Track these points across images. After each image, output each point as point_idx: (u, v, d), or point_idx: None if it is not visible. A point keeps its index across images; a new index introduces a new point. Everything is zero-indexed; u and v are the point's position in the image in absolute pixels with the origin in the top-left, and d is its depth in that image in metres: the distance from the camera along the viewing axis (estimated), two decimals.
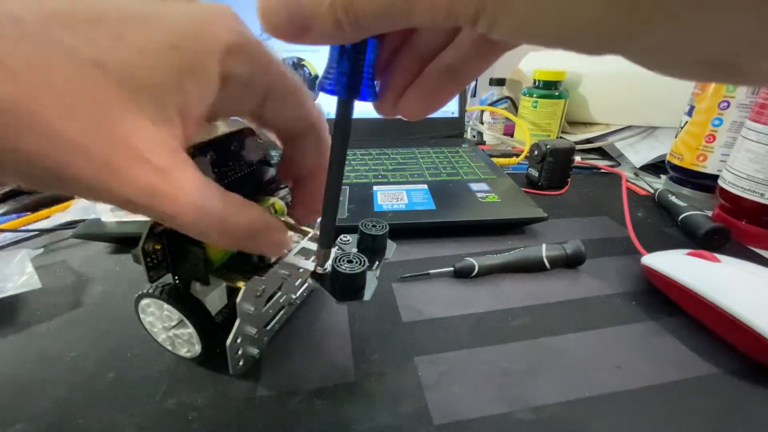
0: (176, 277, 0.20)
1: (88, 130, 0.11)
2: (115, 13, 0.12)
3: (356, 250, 0.22)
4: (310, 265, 0.20)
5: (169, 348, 0.22)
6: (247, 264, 0.21)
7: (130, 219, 0.34)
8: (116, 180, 0.12)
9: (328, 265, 0.19)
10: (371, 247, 0.22)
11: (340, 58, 0.13)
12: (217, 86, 0.14)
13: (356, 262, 0.19)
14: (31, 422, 0.19)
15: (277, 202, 0.23)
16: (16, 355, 0.23)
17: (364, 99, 0.13)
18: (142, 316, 0.22)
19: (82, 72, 0.11)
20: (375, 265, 0.21)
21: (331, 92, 0.13)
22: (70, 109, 0.11)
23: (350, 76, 0.13)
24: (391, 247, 0.23)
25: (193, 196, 0.13)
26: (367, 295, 0.19)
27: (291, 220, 0.25)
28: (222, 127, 0.19)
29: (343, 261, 0.19)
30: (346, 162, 0.51)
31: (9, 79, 0.10)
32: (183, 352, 0.22)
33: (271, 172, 0.23)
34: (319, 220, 0.24)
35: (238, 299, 0.19)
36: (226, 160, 0.20)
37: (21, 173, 0.11)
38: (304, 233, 0.24)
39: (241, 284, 0.20)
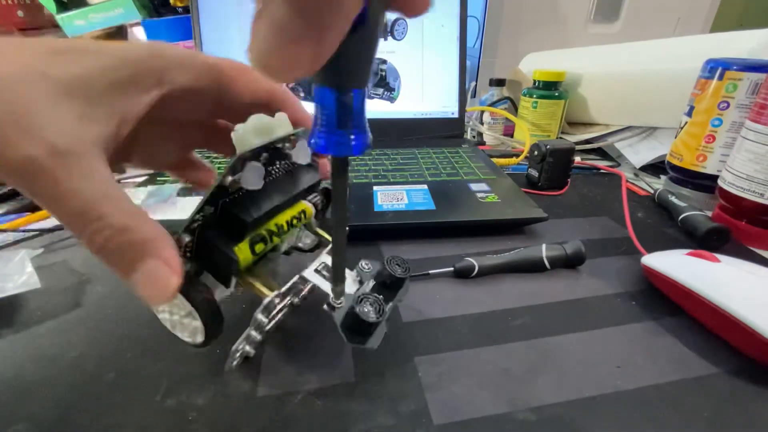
0: (196, 269, 0.20)
1: (9, 112, 0.13)
2: (84, 47, 0.15)
3: (374, 282, 0.22)
4: (328, 287, 0.20)
5: (168, 327, 0.22)
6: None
7: None
8: (6, 145, 0.13)
9: (343, 299, 0.19)
10: (388, 284, 0.22)
11: (328, 112, 0.12)
12: (153, 96, 0.17)
13: (375, 309, 0.19)
14: (31, 422, 0.19)
15: (308, 207, 0.23)
16: (16, 355, 0.23)
17: (356, 153, 0.13)
18: None
19: (33, 80, 0.13)
20: (387, 306, 0.21)
21: (321, 149, 0.13)
22: (5, 100, 0.13)
23: (339, 130, 0.12)
24: (407, 289, 0.23)
25: (76, 183, 0.13)
26: (375, 343, 0.19)
27: (320, 231, 0.25)
28: (278, 132, 0.19)
29: (366, 303, 0.19)
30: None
31: None
32: (183, 336, 0.21)
33: (313, 177, 0.22)
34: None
35: (258, 311, 0.19)
36: (274, 161, 0.20)
37: None
38: (326, 242, 0.24)
39: (262, 290, 0.20)
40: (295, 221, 0.22)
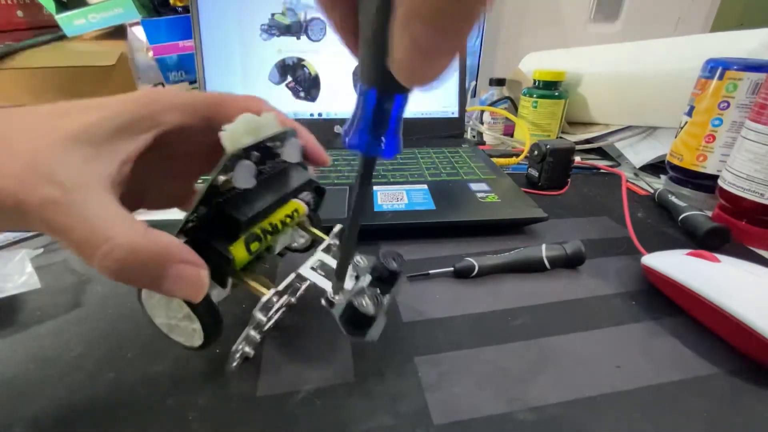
0: None
1: (27, 162, 0.15)
2: (86, 105, 0.17)
3: (369, 277, 0.22)
4: (325, 284, 0.20)
5: (165, 332, 0.22)
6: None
7: None
8: (22, 191, 0.14)
9: (342, 294, 0.19)
10: (384, 278, 0.22)
11: (368, 112, 0.12)
12: (149, 137, 0.18)
13: (374, 303, 0.19)
14: (30, 422, 0.19)
15: (300, 205, 0.23)
16: (16, 355, 0.23)
17: (387, 156, 0.13)
18: (144, 297, 0.21)
19: (46, 135, 0.15)
20: (385, 298, 0.21)
21: (353, 147, 0.13)
22: (16, 151, 0.15)
23: (375, 131, 0.13)
24: (401, 284, 0.23)
25: (83, 212, 0.15)
26: (375, 335, 0.19)
27: (313, 230, 0.25)
28: (267, 131, 0.19)
29: (364, 296, 0.19)
30: (347, 161, 0.51)
31: None
32: (181, 339, 0.21)
33: (304, 176, 0.22)
34: (335, 230, 0.25)
35: (256, 309, 0.19)
36: (265, 160, 0.20)
37: None
38: (319, 240, 0.24)
39: (259, 288, 0.20)
40: (288, 219, 0.22)
